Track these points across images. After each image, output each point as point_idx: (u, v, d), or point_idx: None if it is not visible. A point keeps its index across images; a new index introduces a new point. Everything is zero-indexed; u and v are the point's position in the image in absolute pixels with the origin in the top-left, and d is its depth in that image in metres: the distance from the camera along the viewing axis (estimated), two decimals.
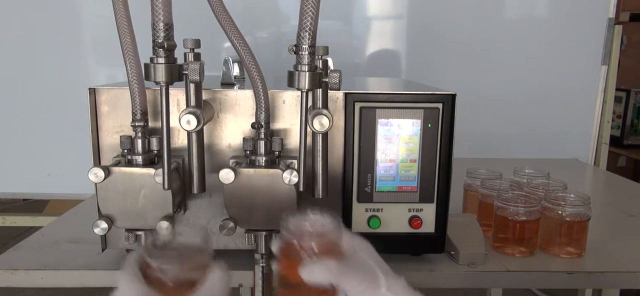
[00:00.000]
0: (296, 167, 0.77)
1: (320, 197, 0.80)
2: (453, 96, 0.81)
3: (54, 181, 1.81)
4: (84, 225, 0.95)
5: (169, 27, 0.69)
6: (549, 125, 1.85)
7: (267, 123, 0.76)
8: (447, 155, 0.83)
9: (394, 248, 0.87)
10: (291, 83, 0.71)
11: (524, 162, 1.24)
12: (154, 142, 0.77)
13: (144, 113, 0.75)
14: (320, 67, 0.73)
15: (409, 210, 0.85)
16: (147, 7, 0.68)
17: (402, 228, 0.86)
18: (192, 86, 0.74)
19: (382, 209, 0.85)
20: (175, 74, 0.71)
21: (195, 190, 0.80)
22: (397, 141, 0.82)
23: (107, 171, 0.73)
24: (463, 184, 1.13)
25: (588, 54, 1.81)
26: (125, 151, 0.76)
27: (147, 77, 0.71)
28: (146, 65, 0.70)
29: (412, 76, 1.79)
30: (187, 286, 0.49)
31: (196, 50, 0.73)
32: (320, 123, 0.73)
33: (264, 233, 0.79)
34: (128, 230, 0.79)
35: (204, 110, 0.75)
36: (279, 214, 0.76)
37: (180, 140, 0.82)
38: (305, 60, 0.69)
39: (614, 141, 2.74)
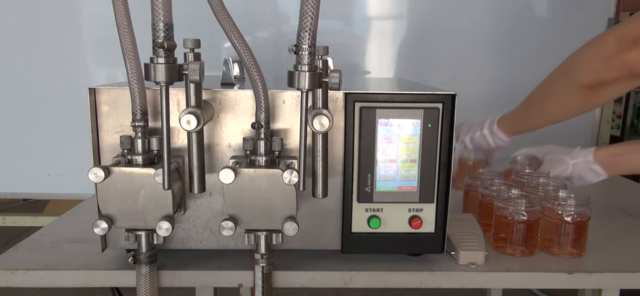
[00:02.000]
0: (296, 167, 0.77)
1: (321, 197, 0.80)
2: (453, 96, 0.81)
3: (54, 181, 1.81)
4: (84, 225, 0.95)
5: (169, 27, 0.69)
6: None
7: (267, 123, 0.76)
8: (447, 155, 0.83)
9: (394, 248, 0.87)
10: (291, 83, 0.71)
11: None
12: (154, 142, 0.77)
13: (144, 113, 0.75)
14: (320, 67, 0.73)
15: (409, 210, 0.85)
16: (147, 7, 0.68)
17: (402, 228, 0.86)
18: (192, 86, 0.74)
19: (382, 209, 0.85)
20: (175, 74, 0.71)
21: (195, 190, 0.80)
22: (397, 141, 0.82)
23: (107, 171, 0.73)
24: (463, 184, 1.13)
25: None
26: (125, 151, 0.76)
27: (147, 77, 0.71)
28: (146, 65, 0.70)
29: (412, 76, 1.79)
30: None
31: (196, 50, 0.73)
32: (320, 123, 0.73)
33: (264, 233, 0.79)
34: (128, 230, 0.79)
35: (204, 110, 0.75)
36: (279, 214, 0.77)
37: (180, 140, 0.82)
38: (305, 60, 0.69)
39: (614, 141, 2.73)
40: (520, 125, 1.04)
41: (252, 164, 0.77)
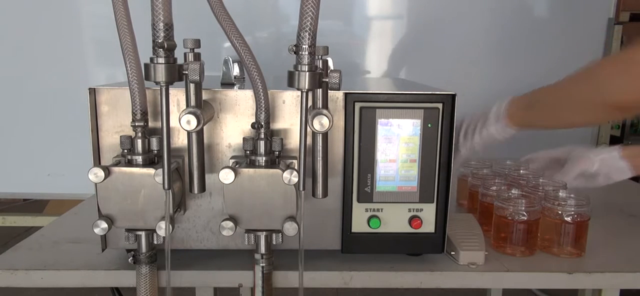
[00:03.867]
0: (296, 167, 0.77)
1: (321, 197, 0.80)
2: (453, 96, 0.81)
3: (54, 181, 1.82)
4: (84, 225, 0.95)
5: (169, 27, 0.69)
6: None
7: (267, 123, 0.76)
8: (447, 155, 0.83)
9: (394, 248, 0.87)
10: (291, 83, 0.71)
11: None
12: (154, 142, 0.77)
13: (144, 113, 0.75)
14: (320, 67, 0.74)
15: (409, 210, 0.85)
16: (147, 7, 0.68)
17: (402, 228, 0.86)
18: (192, 86, 0.74)
19: (382, 209, 0.85)
20: (175, 74, 0.71)
21: (195, 190, 0.80)
22: (397, 141, 0.82)
23: (107, 171, 0.73)
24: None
25: (588, 54, 1.81)
26: (125, 151, 0.76)
27: (147, 77, 0.71)
28: (146, 65, 0.70)
29: (412, 76, 1.79)
30: None
31: (196, 50, 0.73)
32: (320, 123, 0.73)
33: (264, 233, 0.79)
34: (128, 230, 0.79)
35: (204, 110, 0.75)
36: (279, 214, 0.77)
37: (180, 140, 0.82)
38: (305, 60, 0.69)
39: (614, 141, 2.73)
40: (533, 121, 1.00)
41: (252, 164, 0.77)
